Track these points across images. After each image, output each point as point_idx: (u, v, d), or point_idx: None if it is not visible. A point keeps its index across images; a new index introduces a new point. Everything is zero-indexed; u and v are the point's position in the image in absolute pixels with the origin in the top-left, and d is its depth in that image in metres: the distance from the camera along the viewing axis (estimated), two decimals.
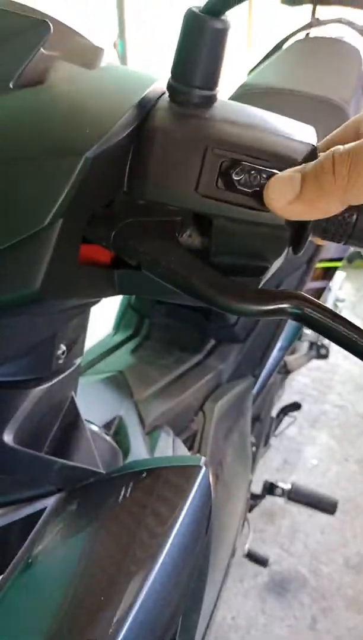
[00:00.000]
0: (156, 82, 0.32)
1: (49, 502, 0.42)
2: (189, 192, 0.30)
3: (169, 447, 0.69)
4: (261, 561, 1.21)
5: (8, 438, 0.37)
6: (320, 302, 0.30)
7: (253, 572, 1.34)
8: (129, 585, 0.35)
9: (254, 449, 1.06)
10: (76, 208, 0.28)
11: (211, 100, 0.32)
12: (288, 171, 0.29)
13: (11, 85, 0.30)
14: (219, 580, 0.74)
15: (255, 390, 1.01)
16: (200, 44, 0.29)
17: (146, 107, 0.31)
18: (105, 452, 0.53)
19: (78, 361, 0.43)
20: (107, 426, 0.65)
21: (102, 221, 0.31)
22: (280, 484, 1.26)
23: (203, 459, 0.45)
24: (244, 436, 0.92)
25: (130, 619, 0.33)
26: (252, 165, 0.30)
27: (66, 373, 0.41)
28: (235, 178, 0.30)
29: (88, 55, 0.34)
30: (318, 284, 1.11)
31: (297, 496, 1.25)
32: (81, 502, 0.42)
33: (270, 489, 1.26)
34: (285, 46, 1.31)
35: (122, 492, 0.41)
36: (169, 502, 0.41)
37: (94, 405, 0.71)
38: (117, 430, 0.66)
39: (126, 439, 0.64)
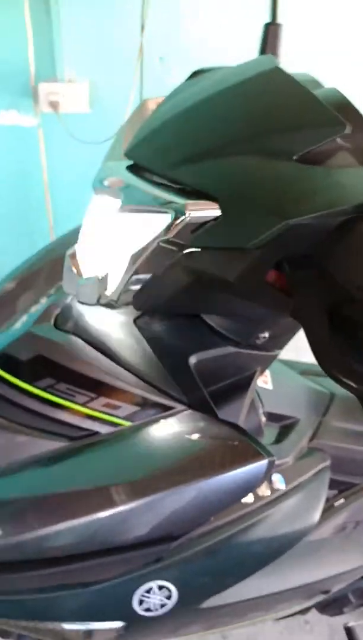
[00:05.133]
0: None
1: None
2: None
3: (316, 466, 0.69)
4: None
5: (192, 360, 0.51)
6: None
7: None
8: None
9: None
10: (274, 245, 0.37)
11: None
12: None
13: (294, 158, 0.38)
14: None
15: None
16: None
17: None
18: (252, 425, 0.59)
19: (275, 352, 0.56)
20: (280, 418, 0.72)
21: (295, 263, 0.38)
22: None
23: (271, 460, 0.50)
24: None
25: None
26: None
27: (260, 352, 0.54)
28: None
29: None
30: None
31: None
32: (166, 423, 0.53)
33: None
34: None
35: (193, 432, 0.51)
36: (216, 463, 0.50)
37: (292, 399, 0.77)
38: (287, 426, 0.72)
39: (287, 438, 0.69)
